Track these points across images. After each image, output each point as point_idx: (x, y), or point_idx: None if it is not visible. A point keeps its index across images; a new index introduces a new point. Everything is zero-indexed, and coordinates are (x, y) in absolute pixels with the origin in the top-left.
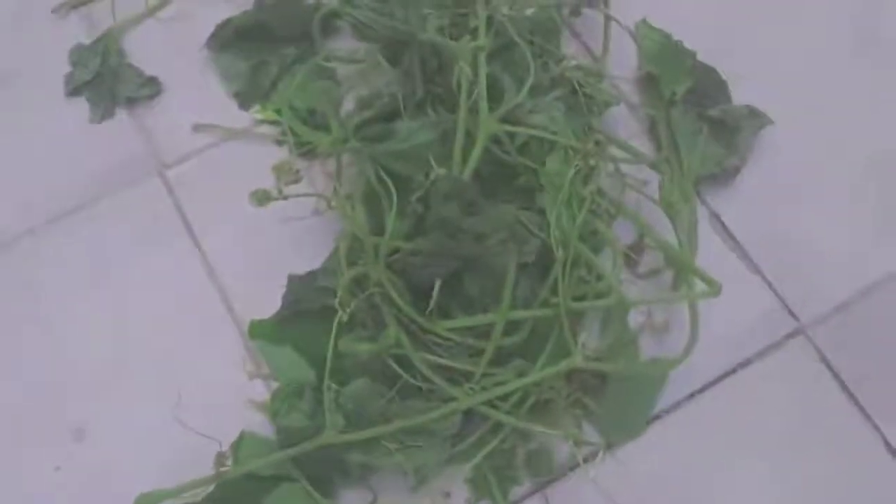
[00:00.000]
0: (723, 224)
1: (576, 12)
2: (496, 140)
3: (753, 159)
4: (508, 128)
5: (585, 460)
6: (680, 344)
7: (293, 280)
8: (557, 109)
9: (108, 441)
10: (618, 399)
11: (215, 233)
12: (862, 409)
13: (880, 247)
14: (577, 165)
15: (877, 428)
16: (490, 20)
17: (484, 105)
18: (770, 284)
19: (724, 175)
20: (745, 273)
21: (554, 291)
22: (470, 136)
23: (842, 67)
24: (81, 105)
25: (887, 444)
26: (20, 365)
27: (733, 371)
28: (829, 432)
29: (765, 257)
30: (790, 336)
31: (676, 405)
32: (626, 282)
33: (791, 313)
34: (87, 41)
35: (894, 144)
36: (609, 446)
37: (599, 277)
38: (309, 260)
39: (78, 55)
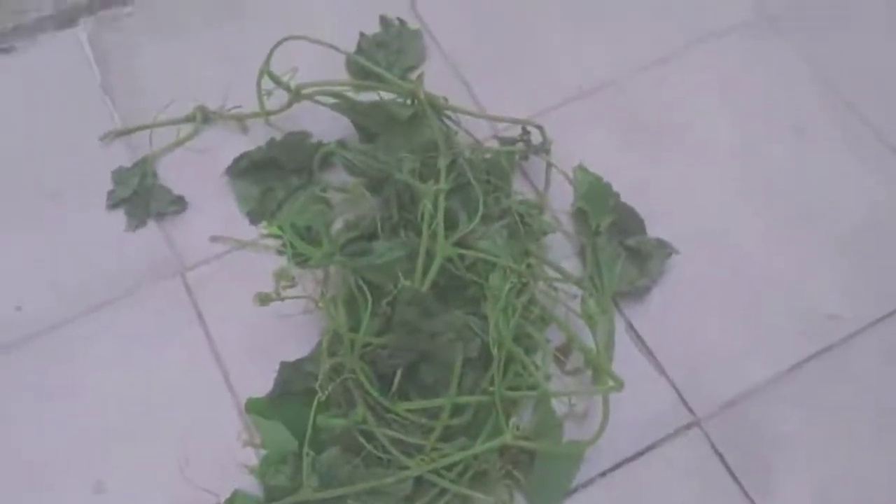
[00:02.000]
0: (636, 332)
1: (524, 157)
2: (450, 259)
3: (662, 281)
4: (460, 251)
5: None
6: (596, 429)
7: (284, 366)
8: (501, 236)
9: (124, 493)
10: (543, 473)
11: (223, 325)
12: (745, 493)
13: (761, 356)
14: (512, 282)
15: None
16: (453, 162)
17: (441, 233)
18: (672, 383)
19: (637, 293)
20: (652, 372)
21: (493, 382)
22: (430, 256)
23: (734, 206)
24: (119, 216)
25: None
26: (53, 426)
27: (639, 455)
28: None
29: (669, 360)
30: (687, 427)
31: (590, 481)
32: (554, 376)
33: (688, 408)
34: (127, 164)
35: (772, 272)
36: None
37: (531, 373)
38: (298, 349)
39: (119, 176)
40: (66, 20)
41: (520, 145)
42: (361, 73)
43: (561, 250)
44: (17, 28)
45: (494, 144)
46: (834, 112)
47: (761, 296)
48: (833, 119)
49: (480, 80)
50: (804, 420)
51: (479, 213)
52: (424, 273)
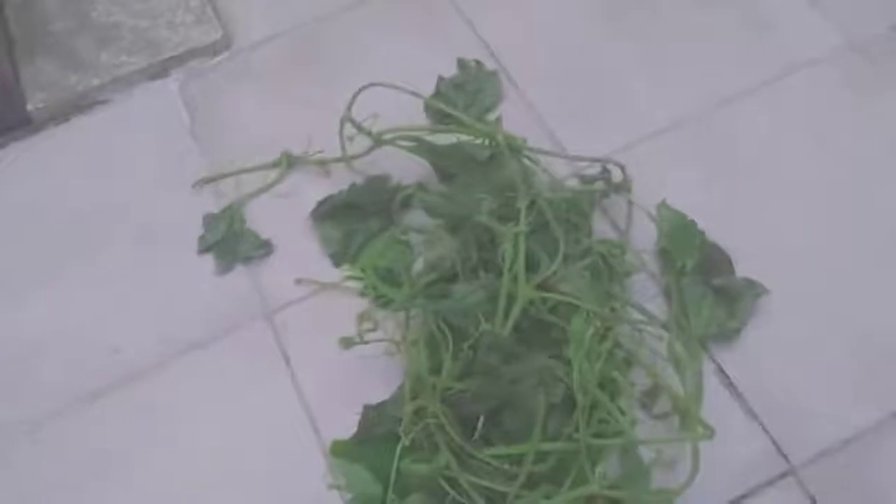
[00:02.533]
0: (726, 376)
1: (605, 195)
2: (532, 302)
3: (753, 322)
4: (541, 293)
5: None
6: (686, 478)
7: (368, 409)
8: (583, 278)
9: None
10: None
11: (308, 367)
12: None
13: (861, 401)
14: (596, 326)
15: None
16: (532, 202)
17: (522, 275)
18: (765, 428)
19: (726, 335)
20: (743, 418)
21: (577, 428)
22: (511, 299)
23: (826, 245)
24: (209, 261)
25: None
26: (143, 475)
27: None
28: None
29: (761, 405)
30: (782, 476)
31: None
32: (642, 421)
33: (783, 455)
34: (216, 210)
35: (871, 314)
36: None
37: (616, 419)
38: (381, 392)
39: (209, 221)
40: (158, 71)
41: (600, 184)
42: (440, 116)
43: (645, 291)
44: (115, 81)
45: (574, 184)
46: None
47: (859, 338)
48: None
49: (559, 120)
50: None
51: (561, 254)
52: (506, 316)
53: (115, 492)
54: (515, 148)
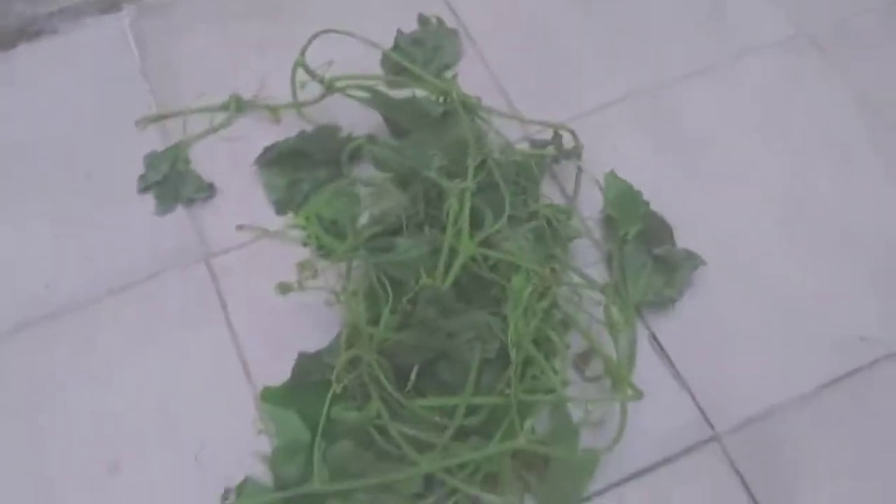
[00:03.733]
0: (659, 343)
1: (555, 161)
2: (474, 259)
3: (689, 293)
4: (483, 251)
5: None
6: (612, 439)
7: (302, 356)
8: (526, 239)
9: (138, 475)
10: (555, 479)
11: (245, 313)
12: None
13: (787, 375)
14: (535, 284)
15: None
16: (483, 162)
17: (466, 231)
18: (693, 396)
19: (662, 303)
20: (673, 385)
21: (509, 384)
22: (454, 254)
23: (768, 223)
24: (149, 200)
25: None
26: (71, 405)
27: (656, 466)
28: None
29: (691, 373)
30: (706, 442)
31: (603, 491)
32: (574, 384)
33: (708, 423)
34: (160, 149)
35: (803, 291)
36: None
37: (548, 377)
38: (317, 342)
39: (151, 160)
40: (109, 5)
41: (551, 149)
42: (396, 70)
43: (587, 257)
44: (62, 10)
45: (525, 147)
46: (876, 135)
47: (790, 315)
48: (875, 142)
49: (515, 84)
50: (829, 443)
51: (506, 214)
52: (447, 271)
53: (42, 423)
54: (469, 107)
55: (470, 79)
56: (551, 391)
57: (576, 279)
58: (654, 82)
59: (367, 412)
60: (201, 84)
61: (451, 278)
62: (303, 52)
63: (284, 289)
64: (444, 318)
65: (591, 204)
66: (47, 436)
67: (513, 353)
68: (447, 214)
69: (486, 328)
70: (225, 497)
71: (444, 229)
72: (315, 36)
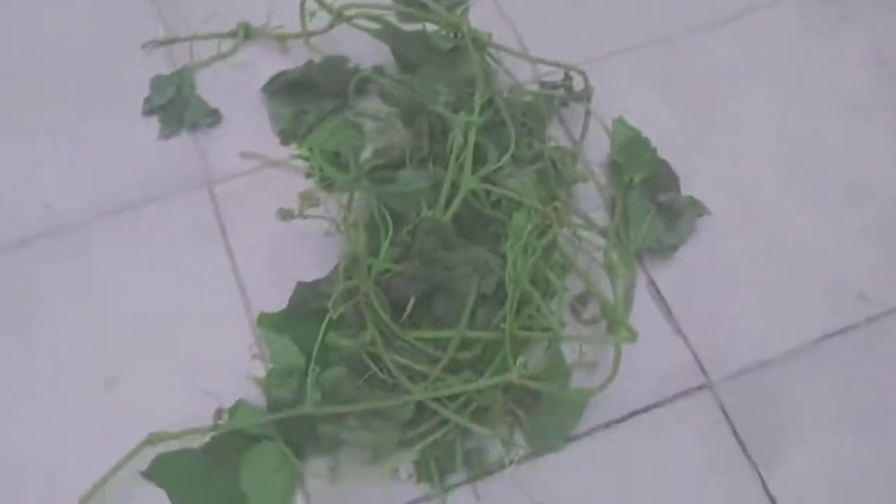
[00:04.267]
0: (657, 289)
1: (564, 103)
2: (475, 194)
3: (691, 241)
4: (485, 186)
5: (511, 461)
6: (604, 380)
7: (301, 285)
8: (529, 177)
9: (133, 391)
10: (545, 416)
11: (245, 240)
12: (750, 459)
13: (783, 327)
14: (535, 222)
15: (759, 475)
16: (491, 100)
17: (468, 166)
18: (688, 342)
19: (663, 250)
20: (668, 331)
21: (505, 319)
22: (455, 188)
23: (775, 175)
24: (153, 124)
25: (765, 488)
26: (68, 320)
27: (646, 409)
28: (719, 475)
29: (687, 320)
30: (698, 388)
31: (593, 430)
32: (569, 326)
33: (702, 369)
34: (166, 73)
35: (805, 244)
36: (533, 454)
37: (545, 316)
38: (317, 270)
39: (157, 83)
40: None
41: (560, 90)
42: (408, 2)
43: (591, 201)
44: None
45: (535, 88)
46: (889, 90)
47: (791, 267)
48: (887, 98)
49: (528, 22)
50: (820, 395)
51: (510, 151)
52: (447, 204)
53: (40, 338)
54: (480, 43)
55: (482, 17)
56: (547, 330)
57: (577, 221)
58: (669, 31)
59: (361, 339)
60: (210, 10)
61: (451, 211)
62: None
63: (286, 215)
64: (443, 251)
65: (598, 150)
66: (46, 351)
67: (510, 289)
68: (451, 148)
69: (485, 263)
70: (217, 416)
71: (447, 166)
72: None
